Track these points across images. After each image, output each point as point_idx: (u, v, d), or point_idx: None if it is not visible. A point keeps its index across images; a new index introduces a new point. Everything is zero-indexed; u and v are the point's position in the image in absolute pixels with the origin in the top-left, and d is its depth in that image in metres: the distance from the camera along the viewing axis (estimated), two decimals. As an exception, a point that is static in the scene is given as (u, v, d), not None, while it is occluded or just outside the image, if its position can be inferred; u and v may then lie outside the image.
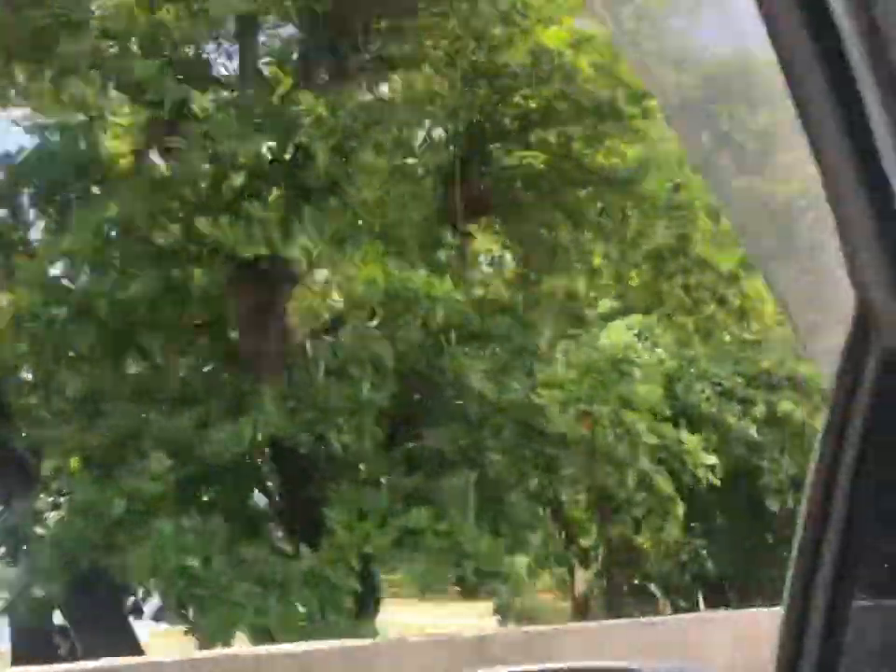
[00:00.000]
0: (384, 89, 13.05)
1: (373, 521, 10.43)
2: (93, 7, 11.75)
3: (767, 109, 1.16)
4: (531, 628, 11.65)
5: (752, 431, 21.12)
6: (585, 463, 11.87)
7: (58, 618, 13.43)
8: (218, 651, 9.45)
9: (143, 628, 13.62)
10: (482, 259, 16.38)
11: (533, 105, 13.20)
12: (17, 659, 13.08)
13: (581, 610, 25.61)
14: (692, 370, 22.02)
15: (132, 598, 13.09)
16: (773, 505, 22.33)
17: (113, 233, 11.60)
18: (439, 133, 14.02)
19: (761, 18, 0.78)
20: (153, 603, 12.81)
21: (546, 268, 13.70)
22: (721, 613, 17.96)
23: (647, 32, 1.13)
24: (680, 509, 12.93)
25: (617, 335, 21.50)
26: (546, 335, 12.59)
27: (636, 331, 21.57)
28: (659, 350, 21.38)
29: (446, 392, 11.18)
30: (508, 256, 15.58)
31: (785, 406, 21.36)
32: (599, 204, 13.63)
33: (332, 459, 10.84)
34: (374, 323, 11.30)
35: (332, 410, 10.46)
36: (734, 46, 1.08)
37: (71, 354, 11.65)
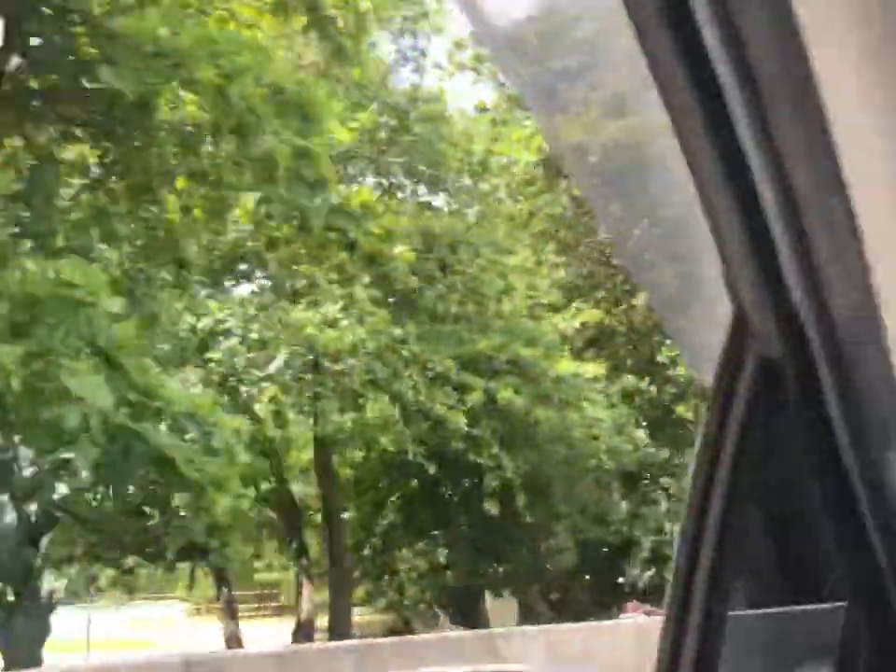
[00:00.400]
0: None
1: None
2: None
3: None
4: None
5: (462, 423, 18.17)
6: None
7: None
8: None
9: None
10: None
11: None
12: None
13: (306, 633, 22.23)
14: (404, 352, 19.00)
15: None
16: (492, 509, 19.47)
17: None
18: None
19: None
20: None
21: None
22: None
23: None
24: (223, 501, 9.25)
25: (322, 308, 18.42)
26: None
27: (341, 304, 18.50)
28: (361, 330, 18.25)
29: None
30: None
31: (505, 393, 18.51)
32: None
33: None
34: None
35: None
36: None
37: None
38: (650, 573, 23.02)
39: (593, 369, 19.53)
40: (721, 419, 1.13)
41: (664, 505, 22.00)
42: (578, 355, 21.97)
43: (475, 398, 18.44)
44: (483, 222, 20.79)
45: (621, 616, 20.83)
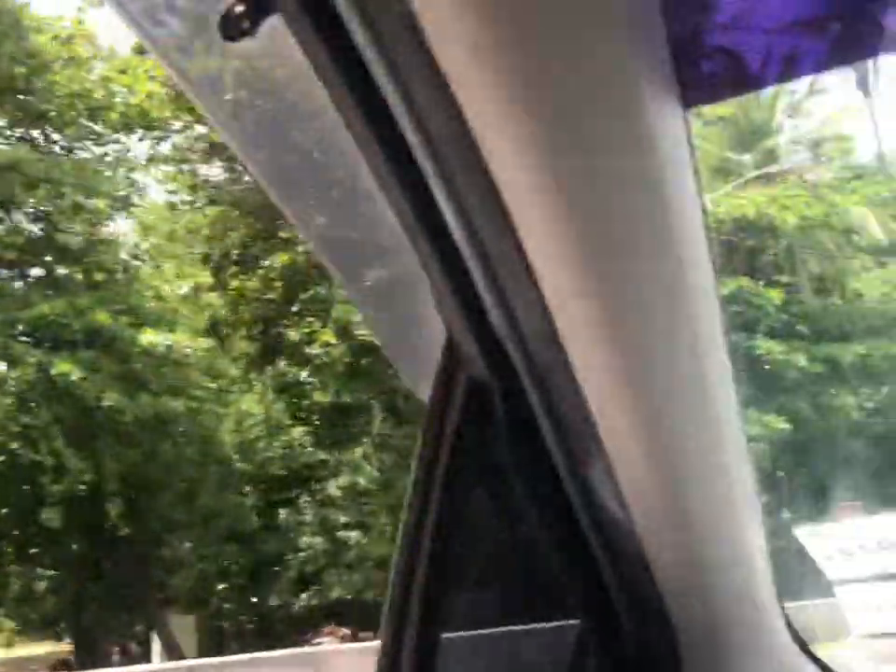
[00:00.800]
0: None
1: None
2: None
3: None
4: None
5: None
6: None
7: None
8: None
9: None
10: None
11: None
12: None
13: None
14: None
15: None
16: (52, 521, 15.17)
17: None
18: None
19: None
20: None
21: None
22: None
23: None
24: None
25: None
26: None
27: None
28: None
29: None
30: None
31: (63, 367, 14.28)
32: None
33: None
34: None
35: None
36: None
37: None
38: (307, 594, 19.46)
39: (194, 342, 15.65)
40: (435, 439, 1.16)
41: (310, 515, 18.44)
42: (222, 335, 18.24)
43: (23, 374, 14.24)
44: (85, 164, 16.64)
45: (314, 641, 17.81)
